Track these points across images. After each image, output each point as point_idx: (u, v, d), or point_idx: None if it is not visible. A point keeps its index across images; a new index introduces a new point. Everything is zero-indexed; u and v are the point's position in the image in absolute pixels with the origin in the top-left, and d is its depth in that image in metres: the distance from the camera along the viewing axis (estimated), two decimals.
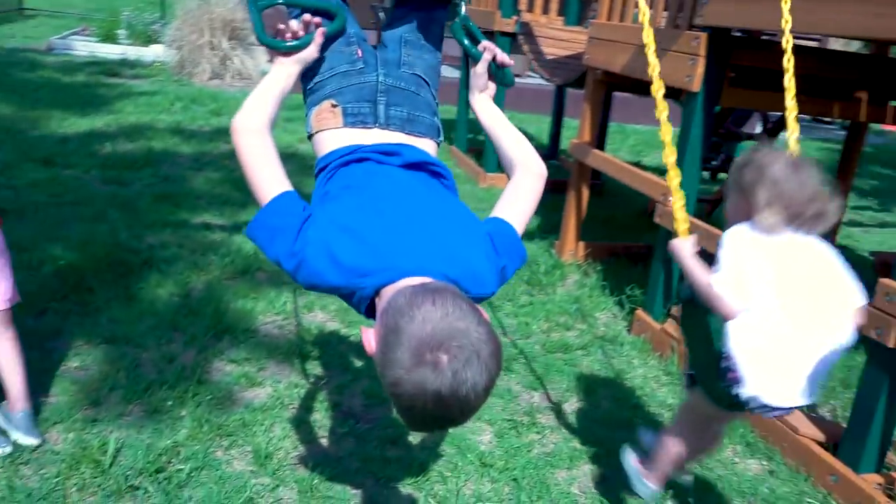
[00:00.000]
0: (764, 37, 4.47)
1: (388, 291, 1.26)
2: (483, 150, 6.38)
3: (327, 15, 1.61)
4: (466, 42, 1.71)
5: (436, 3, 1.76)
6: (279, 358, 3.06)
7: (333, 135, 1.54)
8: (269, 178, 1.37)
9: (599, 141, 5.83)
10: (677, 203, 2.06)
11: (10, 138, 5.70)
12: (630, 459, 2.24)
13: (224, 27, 9.66)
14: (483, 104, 1.69)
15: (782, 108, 4.08)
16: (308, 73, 1.60)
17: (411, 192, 1.42)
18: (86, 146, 5.76)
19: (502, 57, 1.66)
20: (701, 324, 1.85)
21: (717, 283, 1.71)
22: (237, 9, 10.16)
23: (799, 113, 4.34)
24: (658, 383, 3.24)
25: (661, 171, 7.42)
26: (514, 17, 5.79)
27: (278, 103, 1.50)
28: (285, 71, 1.53)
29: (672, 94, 4.10)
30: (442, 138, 1.68)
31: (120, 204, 4.59)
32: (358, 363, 3.08)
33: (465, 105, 7.01)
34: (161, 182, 5.16)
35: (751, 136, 6.06)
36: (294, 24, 1.53)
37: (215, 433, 2.51)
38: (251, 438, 2.51)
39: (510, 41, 5.87)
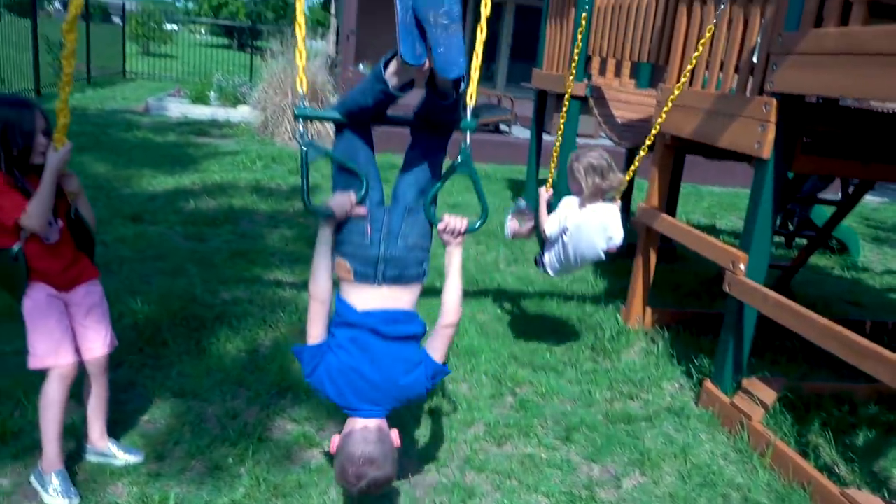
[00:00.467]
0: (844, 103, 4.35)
1: (350, 421, 2.23)
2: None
3: (356, 175, 2.27)
4: (433, 217, 2.29)
5: (442, 138, 2.37)
6: (339, 418, 3.08)
7: (348, 285, 2.28)
8: (314, 332, 2.22)
9: (670, 203, 5.75)
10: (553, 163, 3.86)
11: (103, 195, 6.09)
12: (508, 217, 3.71)
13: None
14: (449, 252, 2.31)
15: (858, 175, 3.95)
16: (337, 228, 2.26)
17: (381, 365, 2.19)
18: (171, 203, 6.09)
19: (452, 232, 2.28)
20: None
21: (546, 223, 3.47)
22: (319, 72, 10.66)
23: (881, 180, 4.17)
24: (726, 460, 3.09)
25: (737, 235, 7.23)
26: (586, 81, 5.84)
27: (329, 260, 2.23)
28: (328, 230, 2.23)
29: (745, 156, 4.04)
30: (426, 278, 2.35)
31: (198, 259, 4.81)
32: (414, 427, 3.08)
33: (535, 164, 7.06)
34: (238, 238, 5.38)
35: (829, 201, 5.84)
36: (335, 202, 2.22)
37: (272, 493, 2.54)
38: (306, 500, 2.53)
39: (581, 104, 5.92)
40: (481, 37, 2.14)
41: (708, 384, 3.54)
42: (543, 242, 3.61)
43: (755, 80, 3.39)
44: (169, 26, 27.97)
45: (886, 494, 2.92)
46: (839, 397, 3.58)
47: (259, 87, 10.64)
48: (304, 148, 2.20)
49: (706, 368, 3.81)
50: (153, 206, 5.92)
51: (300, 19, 2.16)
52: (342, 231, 2.26)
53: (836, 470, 3.12)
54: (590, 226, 3.34)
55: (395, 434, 2.22)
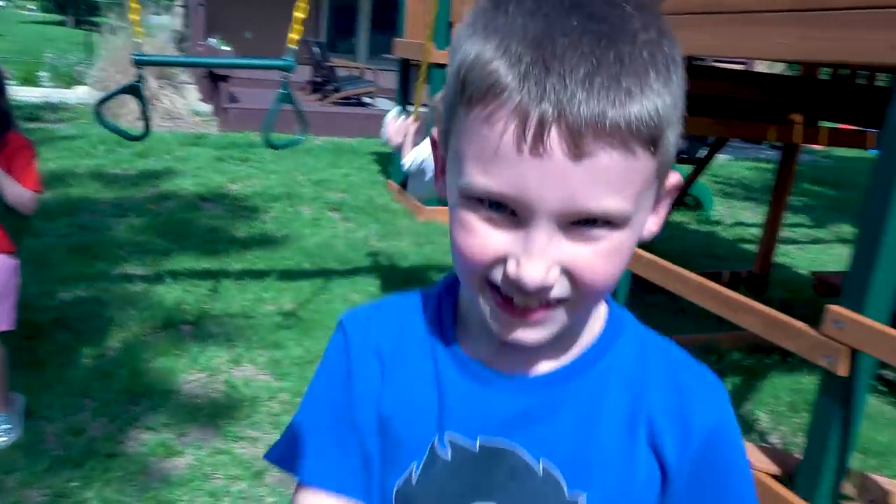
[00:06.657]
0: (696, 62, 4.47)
1: None
2: None
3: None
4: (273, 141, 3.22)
5: None
6: (202, 421, 2.82)
7: None
8: None
9: None
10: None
11: None
12: (387, 120, 3.21)
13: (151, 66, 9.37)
14: None
15: (723, 133, 4.05)
16: None
17: None
18: None
19: None
20: None
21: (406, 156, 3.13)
22: (167, 47, 9.93)
23: (737, 137, 4.32)
24: None
25: None
26: (448, 49, 5.71)
27: None
28: None
29: None
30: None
31: (31, 258, 4.25)
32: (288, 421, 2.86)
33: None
34: (78, 231, 4.85)
35: (688, 160, 6.10)
36: None
37: None
38: None
39: (444, 72, 5.80)
40: None
41: None
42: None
43: None
44: None
45: (757, 437, 3.04)
46: (707, 347, 3.70)
47: (98, 65, 9.76)
48: (137, 84, 3.10)
49: None
50: None
51: None
52: None
53: None
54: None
55: None
